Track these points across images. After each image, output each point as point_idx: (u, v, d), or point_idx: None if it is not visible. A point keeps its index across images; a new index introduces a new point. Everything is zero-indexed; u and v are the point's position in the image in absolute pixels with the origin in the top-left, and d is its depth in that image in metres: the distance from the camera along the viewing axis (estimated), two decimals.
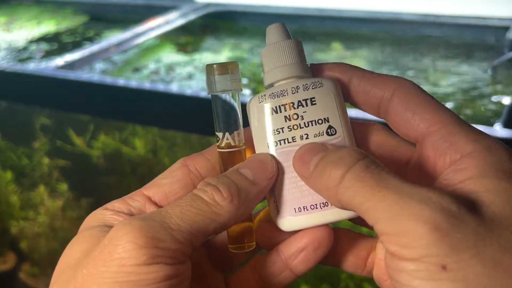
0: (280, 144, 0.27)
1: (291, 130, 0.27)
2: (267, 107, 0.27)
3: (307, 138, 0.27)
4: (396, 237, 0.21)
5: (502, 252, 0.20)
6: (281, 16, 1.33)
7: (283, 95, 0.27)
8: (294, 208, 0.27)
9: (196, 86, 0.95)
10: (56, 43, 1.25)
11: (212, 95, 0.28)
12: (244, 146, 0.29)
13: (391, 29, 1.21)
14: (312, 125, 0.27)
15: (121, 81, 0.82)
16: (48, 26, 1.37)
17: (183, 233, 0.23)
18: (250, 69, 1.03)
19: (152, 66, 1.06)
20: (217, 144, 0.28)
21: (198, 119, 0.74)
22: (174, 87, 0.89)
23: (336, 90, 0.27)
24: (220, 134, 0.28)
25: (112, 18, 1.49)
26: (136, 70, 1.04)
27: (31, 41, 1.25)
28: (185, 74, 1.01)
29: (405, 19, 1.20)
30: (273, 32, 0.28)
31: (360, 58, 1.10)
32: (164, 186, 0.28)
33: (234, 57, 1.11)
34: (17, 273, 1.47)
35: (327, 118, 0.27)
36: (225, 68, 0.27)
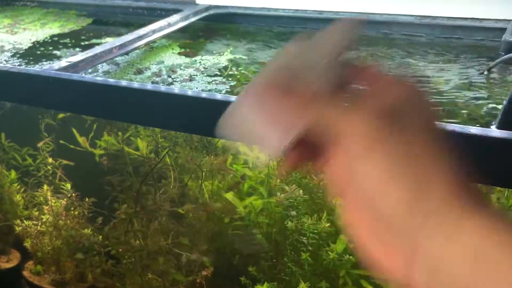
0: None
1: None
2: None
3: None
4: None
5: None
6: (281, 18, 1.34)
7: None
8: None
9: (197, 88, 0.96)
10: (60, 45, 1.26)
11: None
12: None
13: (388, 30, 1.22)
14: None
15: (123, 82, 0.83)
16: (52, 29, 1.39)
17: None
18: (250, 70, 1.05)
19: (154, 67, 1.08)
20: None
21: (199, 120, 0.75)
22: (176, 88, 0.91)
23: None
24: None
25: (115, 20, 1.51)
26: (138, 71, 1.06)
27: (43, 43, 1.27)
28: (187, 75, 1.03)
29: (402, 20, 1.21)
30: None
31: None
32: None
33: (235, 59, 1.12)
34: (21, 271, 1.48)
35: None
36: None
